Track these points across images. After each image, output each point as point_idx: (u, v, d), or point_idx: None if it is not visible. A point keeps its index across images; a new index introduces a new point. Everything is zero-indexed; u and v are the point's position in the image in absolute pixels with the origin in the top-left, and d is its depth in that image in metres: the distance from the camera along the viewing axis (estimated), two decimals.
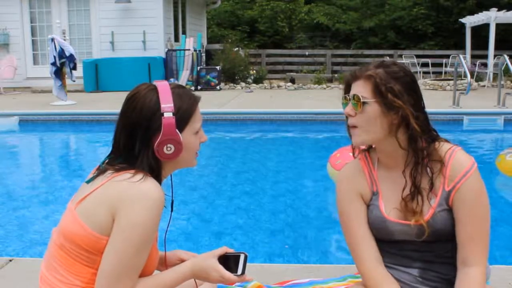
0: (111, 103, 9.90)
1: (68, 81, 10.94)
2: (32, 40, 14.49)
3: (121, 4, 13.77)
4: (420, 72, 15.84)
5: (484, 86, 14.14)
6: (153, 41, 13.92)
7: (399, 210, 1.65)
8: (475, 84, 13.29)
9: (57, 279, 1.52)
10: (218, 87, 13.83)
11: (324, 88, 14.41)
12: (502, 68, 10.61)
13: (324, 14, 20.56)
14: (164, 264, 1.73)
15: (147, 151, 1.52)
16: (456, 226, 1.61)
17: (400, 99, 1.57)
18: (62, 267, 1.52)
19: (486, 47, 15.26)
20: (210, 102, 10.25)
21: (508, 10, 15.07)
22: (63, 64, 10.64)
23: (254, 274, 2.12)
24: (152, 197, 1.46)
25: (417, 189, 1.62)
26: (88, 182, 1.56)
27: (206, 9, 18.76)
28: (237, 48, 16.11)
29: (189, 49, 13.85)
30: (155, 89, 1.55)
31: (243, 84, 14.75)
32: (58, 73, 10.64)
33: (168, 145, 1.51)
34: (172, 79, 13.39)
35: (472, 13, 16.86)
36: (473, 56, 16.29)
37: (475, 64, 15.04)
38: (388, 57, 15.76)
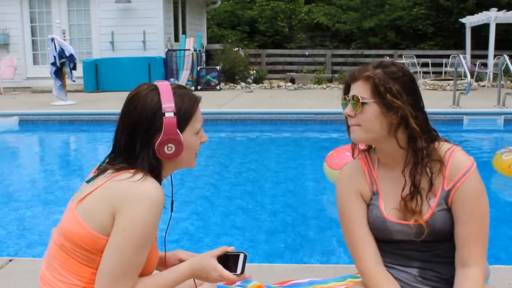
0: (111, 103, 9.91)
1: (68, 81, 10.94)
2: (32, 40, 14.49)
3: (121, 4, 13.77)
4: (420, 72, 15.84)
5: (484, 86, 14.14)
6: (153, 41, 13.92)
7: (399, 210, 1.65)
8: (475, 84, 13.29)
9: (57, 279, 1.52)
10: (218, 87, 13.83)
11: (324, 88, 14.41)
12: (502, 68, 10.61)
13: (324, 14, 20.56)
14: (163, 264, 1.73)
15: (147, 151, 1.52)
16: (455, 226, 1.61)
17: (399, 99, 1.57)
18: (62, 267, 1.52)
19: (486, 47, 15.26)
20: (210, 102, 10.25)
21: (508, 10, 15.07)
22: (63, 64, 10.65)
23: (254, 274, 2.12)
24: (152, 197, 1.46)
25: (417, 189, 1.62)
26: (88, 181, 1.57)
27: (206, 9, 18.76)
28: (237, 48, 16.12)
29: (189, 49, 13.85)
30: (156, 89, 1.55)
31: (243, 84, 14.75)
32: (58, 73, 10.64)
33: (169, 145, 1.52)
34: (172, 79, 13.39)
35: (472, 13, 16.86)
36: (473, 56, 16.29)
37: (475, 64, 15.04)
38: (388, 57, 15.77)
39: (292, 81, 15.59)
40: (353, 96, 1.62)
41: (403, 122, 1.59)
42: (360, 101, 1.60)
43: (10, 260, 2.95)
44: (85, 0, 14.10)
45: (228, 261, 1.57)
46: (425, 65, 16.35)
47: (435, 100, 10.15)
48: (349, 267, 2.61)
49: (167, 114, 1.51)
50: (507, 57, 10.31)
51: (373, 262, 1.67)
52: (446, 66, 16.13)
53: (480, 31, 16.70)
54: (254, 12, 21.54)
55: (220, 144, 7.86)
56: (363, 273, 1.69)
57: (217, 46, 16.31)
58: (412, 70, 13.84)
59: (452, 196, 1.60)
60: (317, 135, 8.60)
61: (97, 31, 14.12)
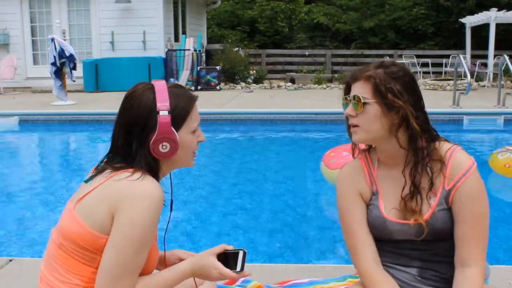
0: (111, 103, 9.90)
1: (68, 81, 10.94)
2: (32, 40, 14.49)
3: (121, 4, 13.77)
4: (420, 72, 15.84)
5: (484, 86, 14.14)
6: (153, 41, 13.92)
7: (399, 210, 1.65)
8: (475, 84, 13.29)
9: (57, 279, 1.52)
10: (218, 87, 13.83)
11: (324, 88, 14.41)
12: (502, 68, 10.61)
13: (324, 14, 20.55)
14: (163, 263, 1.73)
15: (144, 149, 1.52)
16: (455, 225, 1.61)
17: (400, 99, 1.58)
18: (62, 267, 1.52)
19: (486, 47, 15.25)
20: (210, 102, 10.25)
21: (508, 10, 15.06)
22: (63, 64, 10.64)
23: (254, 274, 2.12)
24: (151, 196, 1.46)
25: (417, 189, 1.62)
26: (86, 181, 1.57)
27: (206, 9, 18.76)
28: (237, 48, 16.11)
29: (189, 49, 13.85)
30: (152, 88, 1.55)
31: (243, 84, 14.74)
32: (58, 73, 10.64)
33: (164, 143, 1.52)
34: (172, 79, 13.40)
35: (472, 13, 16.85)
36: (473, 56, 16.29)
37: (475, 64, 15.04)
38: (388, 57, 15.78)
39: (292, 81, 15.59)
40: (354, 96, 1.62)
41: (404, 122, 1.59)
42: (362, 101, 1.60)
43: (10, 260, 2.95)
44: (85, 0, 14.09)
45: (227, 259, 1.57)
46: (425, 65, 16.35)
47: (435, 100, 10.15)
48: (349, 267, 2.61)
49: (161, 113, 1.51)
50: (507, 57, 10.30)
51: (372, 263, 1.67)
52: (446, 66, 16.13)
53: (480, 31, 16.69)
54: (254, 12, 21.53)
55: (220, 144, 7.86)
56: (361, 274, 1.69)
57: (217, 46, 16.30)
58: (412, 70, 13.84)
59: (452, 196, 1.61)
60: (317, 135, 8.60)
61: (97, 31, 14.11)
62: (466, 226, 1.59)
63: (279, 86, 14.59)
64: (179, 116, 1.54)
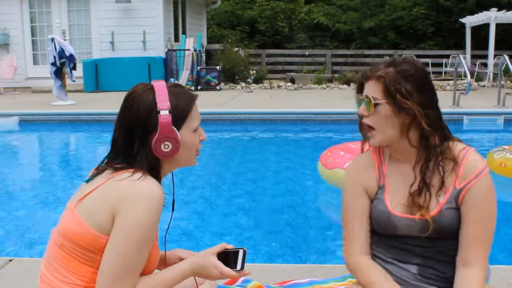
0: (111, 103, 9.90)
1: (68, 81, 10.94)
2: (32, 40, 14.50)
3: (121, 4, 13.77)
4: None
5: (484, 86, 14.13)
6: (153, 41, 13.93)
7: (406, 205, 1.65)
8: (475, 84, 13.29)
9: (57, 279, 1.52)
10: (218, 87, 13.83)
11: (324, 88, 14.41)
12: (502, 68, 10.61)
13: (324, 14, 20.55)
14: (163, 263, 1.73)
15: (145, 149, 1.52)
16: (461, 225, 1.61)
17: (409, 100, 1.57)
18: (62, 267, 1.52)
19: (486, 47, 15.25)
20: (210, 102, 10.25)
21: (508, 10, 15.07)
22: (63, 64, 10.65)
23: (254, 274, 2.13)
24: (151, 196, 1.46)
25: (426, 185, 1.62)
26: (87, 181, 1.57)
27: (206, 9, 18.76)
28: (237, 48, 16.11)
29: (189, 49, 13.85)
30: (151, 88, 1.56)
31: (243, 84, 14.74)
32: (58, 73, 10.64)
33: (166, 143, 1.52)
34: (172, 79, 13.40)
35: (472, 13, 16.85)
36: (473, 56, 16.29)
37: (475, 64, 15.04)
38: (388, 57, 15.76)
39: (292, 81, 15.59)
40: (366, 96, 1.63)
41: (414, 122, 1.59)
42: (373, 102, 1.60)
43: (10, 260, 2.95)
44: (85, 0, 14.10)
45: (227, 258, 1.57)
46: (425, 65, 16.21)
47: None
48: None
49: (162, 112, 1.51)
50: (507, 57, 10.30)
51: (361, 255, 1.69)
52: (446, 66, 16.13)
53: (480, 31, 16.69)
54: (254, 12, 21.54)
55: (220, 144, 7.86)
56: (350, 266, 1.71)
57: (217, 46, 16.31)
58: None
59: (463, 196, 1.61)
60: (317, 135, 8.60)
61: (97, 31, 14.12)
62: (473, 226, 1.59)
63: (279, 86, 14.59)
64: (179, 116, 1.54)
